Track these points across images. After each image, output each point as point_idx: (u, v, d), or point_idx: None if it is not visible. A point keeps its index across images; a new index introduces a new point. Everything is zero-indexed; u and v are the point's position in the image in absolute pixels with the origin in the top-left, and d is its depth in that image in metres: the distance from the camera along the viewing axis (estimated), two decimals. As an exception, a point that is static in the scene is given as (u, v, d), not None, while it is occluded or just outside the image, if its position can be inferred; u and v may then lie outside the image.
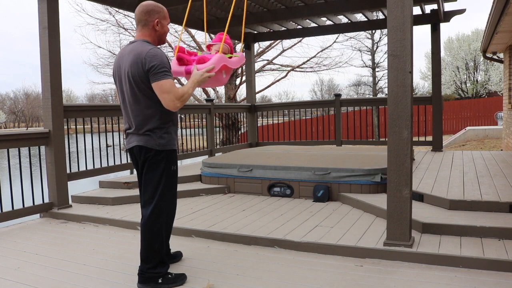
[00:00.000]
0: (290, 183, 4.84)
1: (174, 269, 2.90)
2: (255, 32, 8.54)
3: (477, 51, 28.21)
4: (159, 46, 2.76)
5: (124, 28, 17.17)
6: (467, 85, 30.76)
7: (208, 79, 2.77)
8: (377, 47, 26.35)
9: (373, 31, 23.87)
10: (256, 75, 14.44)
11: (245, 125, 10.85)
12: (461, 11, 7.01)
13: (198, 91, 19.33)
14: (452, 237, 3.19)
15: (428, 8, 7.02)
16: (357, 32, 19.03)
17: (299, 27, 8.29)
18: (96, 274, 2.92)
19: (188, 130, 7.65)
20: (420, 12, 7.05)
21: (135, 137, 2.70)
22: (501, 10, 6.56)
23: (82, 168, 5.26)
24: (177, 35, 16.87)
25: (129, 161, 5.73)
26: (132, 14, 15.03)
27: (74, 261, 3.18)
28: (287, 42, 18.19)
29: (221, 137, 14.62)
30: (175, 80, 2.80)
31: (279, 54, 18.45)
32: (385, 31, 21.66)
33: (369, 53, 26.55)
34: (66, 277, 2.89)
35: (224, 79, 3.06)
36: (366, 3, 6.54)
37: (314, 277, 2.75)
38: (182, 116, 7.42)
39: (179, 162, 6.31)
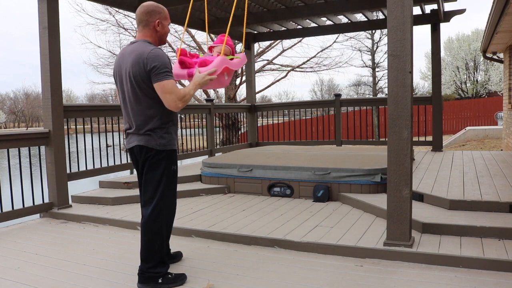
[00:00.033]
0: (290, 183, 4.84)
1: (174, 269, 2.90)
2: (255, 32, 8.54)
3: (477, 51, 28.22)
4: (160, 47, 2.77)
5: (124, 28, 17.19)
6: (467, 85, 30.77)
7: (210, 82, 2.79)
8: (377, 47, 26.36)
9: (373, 31, 23.86)
10: (256, 75, 14.45)
11: (245, 125, 10.86)
12: (461, 11, 7.01)
13: (198, 91, 19.32)
14: (452, 237, 3.19)
15: (428, 8, 7.03)
16: (357, 32, 19.06)
17: (299, 27, 8.29)
18: (96, 274, 2.92)
19: (188, 130, 7.65)
20: (420, 12, 7.06)
21: (135, 137, 2.70)
22: (501, 10, 6.56)
23: (82, 168, 5.26)
24: (177, 35, 16.88)
25: (129, 161, 5.73)
26: (132, 14, 15.05)
27: (74, 261, 3.18)
28: (287, 42, 18.22)
29: (221, 137, 14.63)
30: (177, 82, 2.79)
31: (279, 54, 18.49)
32: (385, 31, 21.66)
33: (369, 53, 26.55)
34: (66, 277, 2.89)
35: (226, 81, 3.09)
36: (366, 3, 6.54)
37: (314, 277, 2.75)
38: (182, 116, 7.42)
39: (179, 162, 6.32)
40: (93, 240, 3.71)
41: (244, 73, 14.64)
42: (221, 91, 18.06)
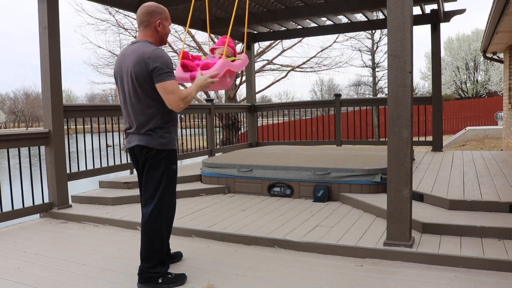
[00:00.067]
0: (290, 183, 4.84)
1: (174, 269, 2.90)
2: (255, 32, 8.53)
3: (477, 51, 28.22)
4: (160, 47, 2.78)
5: (124, 28, 17.19)
6: (467, 85, 30.77)
7: (212, 84, 2.81)
8: (377, 47, 26.36)
9: (373, 31, 23.86)
10: (256, 75, 14.45)
11: (245, 125, 10.86)
12: (461, 11, 7.01)
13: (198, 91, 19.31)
14: (452, 237, 3.19)
15: (428, 8, 7.03)
16: (357, 32, 19.06)
17: (299, 27, 8.29)
18: (96, 274, 2.92)
19: (188, 130, 7.66)
20: (420, 12, 7.06)
21: (136, 137, 2.70)
22: (501, 10, 6.56)
23: (82, 168, 5.26)
24: (177, 35, 16.89)
25: (129, 161, 5.73)
26: (132, 14, 15.05)
27: (74, 261, 3.18)
28: (287, 42, 18.23)
29: (221, 137, 14.63)
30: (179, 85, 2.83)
31: (279, 54, 18.49)
32: (385, 31, 21.66)
33: (369, 53, 26.55)
34: (66, 277, 2.89)
35: (229, 83, 3.11)
36: (366, 3, 6.54)
37: (314, 277, 2.75)
38: (182, 116, 7.42)
39: (179, 162, 6.32)
40: (93, 240, 3.71)
41: (244, 73, 14.65)
42: (221, 91, 18.06)
